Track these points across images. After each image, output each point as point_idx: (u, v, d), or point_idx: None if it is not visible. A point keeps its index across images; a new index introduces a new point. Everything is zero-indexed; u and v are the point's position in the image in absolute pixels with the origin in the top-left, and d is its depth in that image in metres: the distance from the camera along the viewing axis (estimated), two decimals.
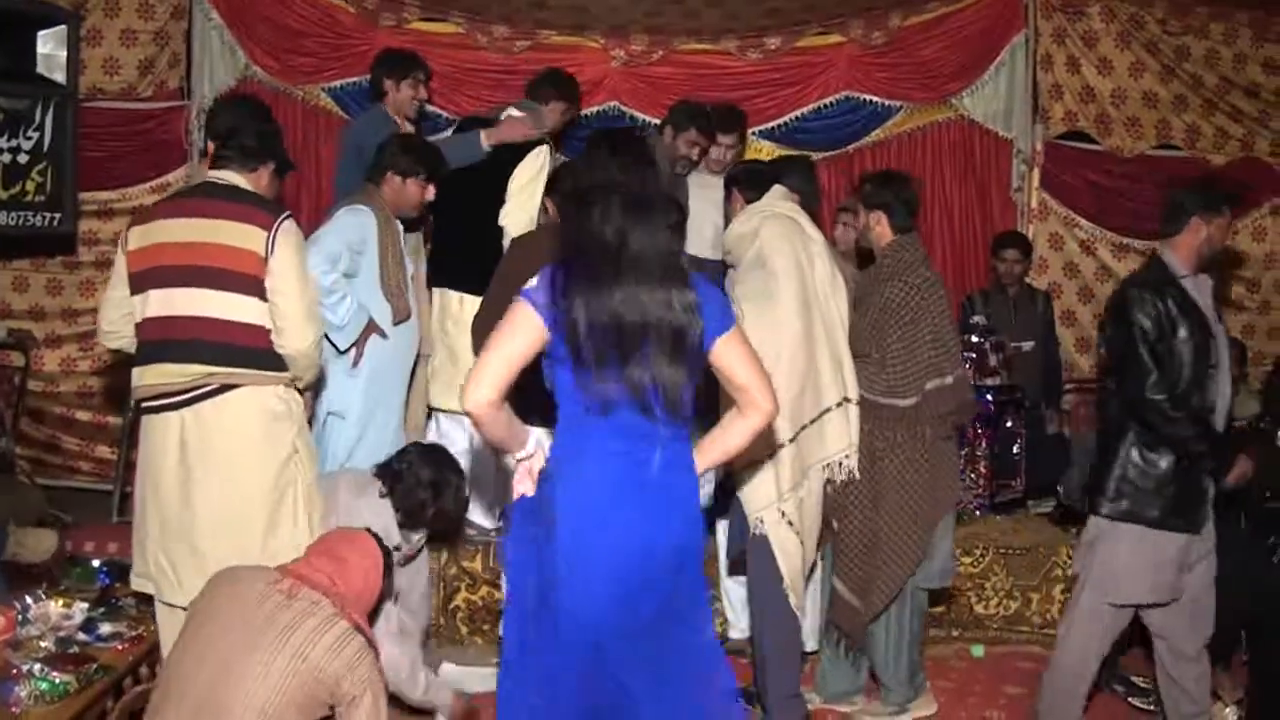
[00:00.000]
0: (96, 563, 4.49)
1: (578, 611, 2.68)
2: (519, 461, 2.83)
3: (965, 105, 6.96)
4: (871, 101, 6.94)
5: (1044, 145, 6.99)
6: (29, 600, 3.60)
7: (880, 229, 4.20)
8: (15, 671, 3.09)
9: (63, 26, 5.55)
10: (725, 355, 2.74)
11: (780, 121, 6.91)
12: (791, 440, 3.77)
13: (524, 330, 2.66)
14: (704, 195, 5.44)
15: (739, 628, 4.63)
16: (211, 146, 3.67)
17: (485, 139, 4.97)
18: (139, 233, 3.48)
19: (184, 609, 3.19)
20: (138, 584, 3.54)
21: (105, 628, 3.58)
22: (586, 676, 2.73)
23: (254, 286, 3.40)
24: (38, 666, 3.11)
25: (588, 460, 2.70)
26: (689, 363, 2.68)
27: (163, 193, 6.51)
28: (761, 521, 3.80)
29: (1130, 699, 4.55)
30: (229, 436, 3.40)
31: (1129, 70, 7.01)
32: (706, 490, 4.53)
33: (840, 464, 3.91)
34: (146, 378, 3.45)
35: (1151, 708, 4.44)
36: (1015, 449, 5.58)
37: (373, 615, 3.22)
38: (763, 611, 3.94)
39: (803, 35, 6.88)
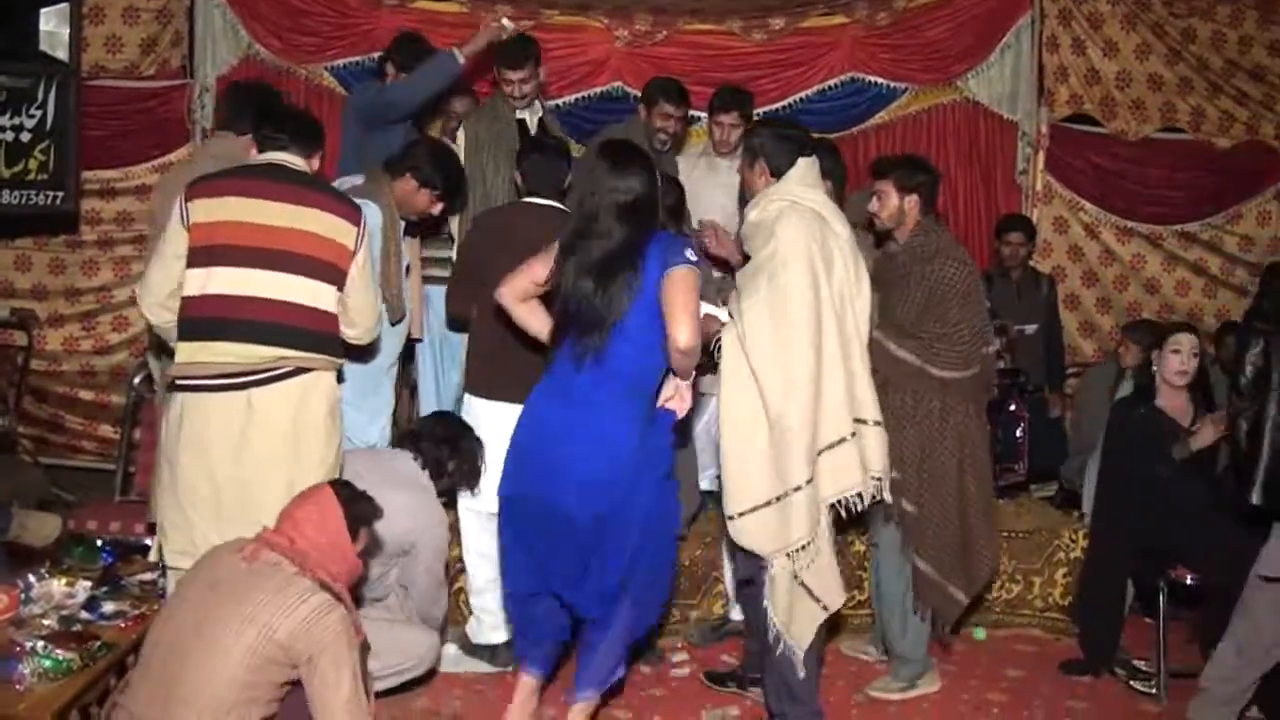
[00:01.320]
0: (99, 542, 4.49)
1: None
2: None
3: (970, 87, 6.94)
4: (876, 83, 6.92)
5: (1049, 128, 6.97)
6: (32, 579, 3.61)
7: (914, 211, 4.23)
8: (19, 649, 3.10)
9: (65, 4, 5.50)
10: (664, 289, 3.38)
11: (785, 103, 6.87)
12: (809, 482, 3.55)
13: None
14: (713, 180, 5.39)
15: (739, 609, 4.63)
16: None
17: (459, 52, 5.04)
18: (204, 206, 3.44)
19: None
20: (176, 560, 3.46)
21: (108, 606, 3.59)
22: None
23: (336, 276, 3.52)
24: (41, 644, 3.12)
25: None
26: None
27: (165, 172, 6.49)
28: (771, 566, 3.60)
29: (1132, 682, 4.55)
30: (299, 419, 3.46)
31: (1135, 52, 6.99)
32: (710, 474, 4.56)
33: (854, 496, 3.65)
34: (205, 354, 3.42)
35: (1153, 690, 4.44)
36: (1018, 433, 5.57)
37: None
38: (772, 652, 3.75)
39: (807, 16, 6.86)
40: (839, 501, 3.64)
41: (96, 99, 6.27)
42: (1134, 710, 4.41)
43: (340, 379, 3.67)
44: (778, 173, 3.77)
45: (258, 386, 3.42)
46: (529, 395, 3.58)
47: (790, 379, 3.52)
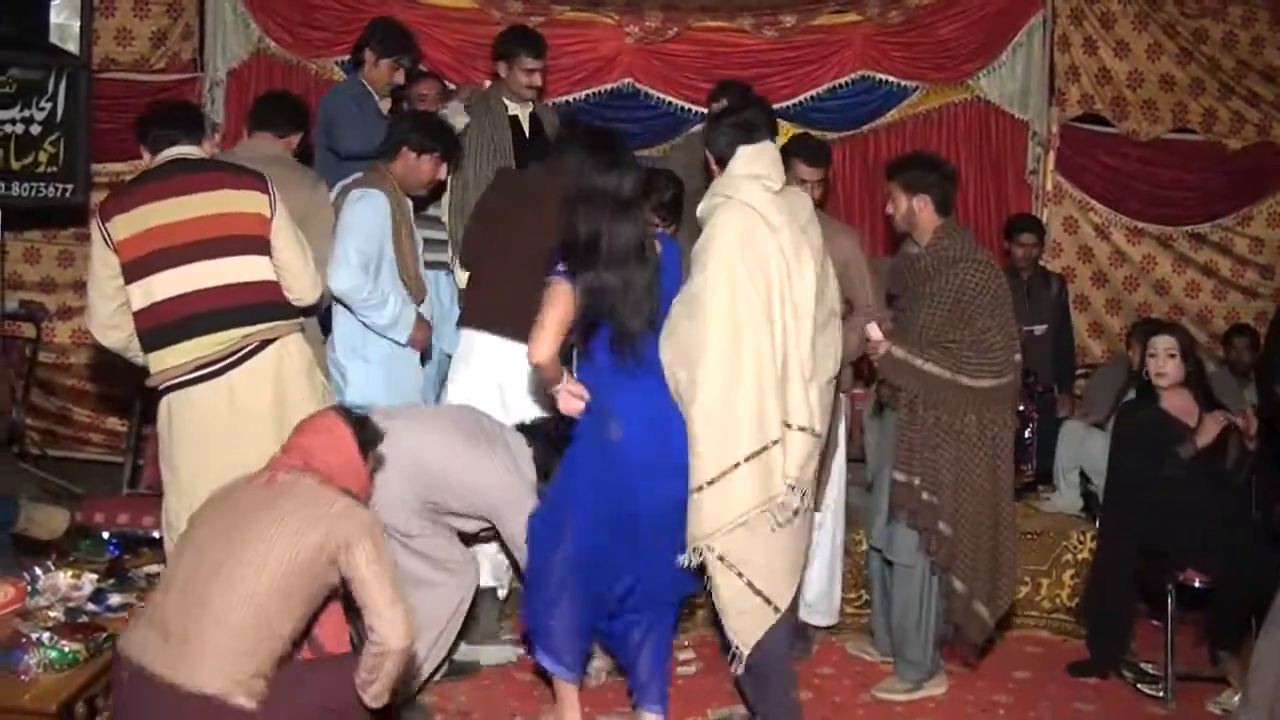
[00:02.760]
0: (106, 534, 4.51)
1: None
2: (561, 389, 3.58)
3: (981, 86, 6.92)
4: (887, 81, 6.90)
5: (1060, 128, 6.94)
6: (38, 571, 3.60)
7: (925, 213, 4.18)
8: (25, 640, 3.09)
9: None
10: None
11: (795, 101, 6.86)
12: (710, 483, 3.46)
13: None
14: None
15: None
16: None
17: None
18: (123, 222, 3.52)
19: None
20: None
21: (114, 598, 3.57)
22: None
23: (263, 246, 3.62)
24: (47, 635, 3.11)
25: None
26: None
27: None
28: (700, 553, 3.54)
29: (1139, 685, 4.53)
30: (279, 388, 3.60)
31: (1146, 52, 6.96)
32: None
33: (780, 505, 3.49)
34: (174, 358, 3.52)
35: (1160, 694, 4.42)
36: (1027, 433, 5.54)
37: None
38: None
39: (819, 13, 6.84)
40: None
41: (107, 92, 6.28)
42: (1141, 713, 4.39)
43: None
44: (723, 163, 3.64)
45: (234, 369, 3.54)
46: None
47: (697, 378, 3.45)
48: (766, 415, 3.44)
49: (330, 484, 2.89)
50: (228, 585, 2.69)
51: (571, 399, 3.60)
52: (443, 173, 4.51)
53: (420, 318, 4.38)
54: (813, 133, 6.15)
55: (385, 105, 5.17)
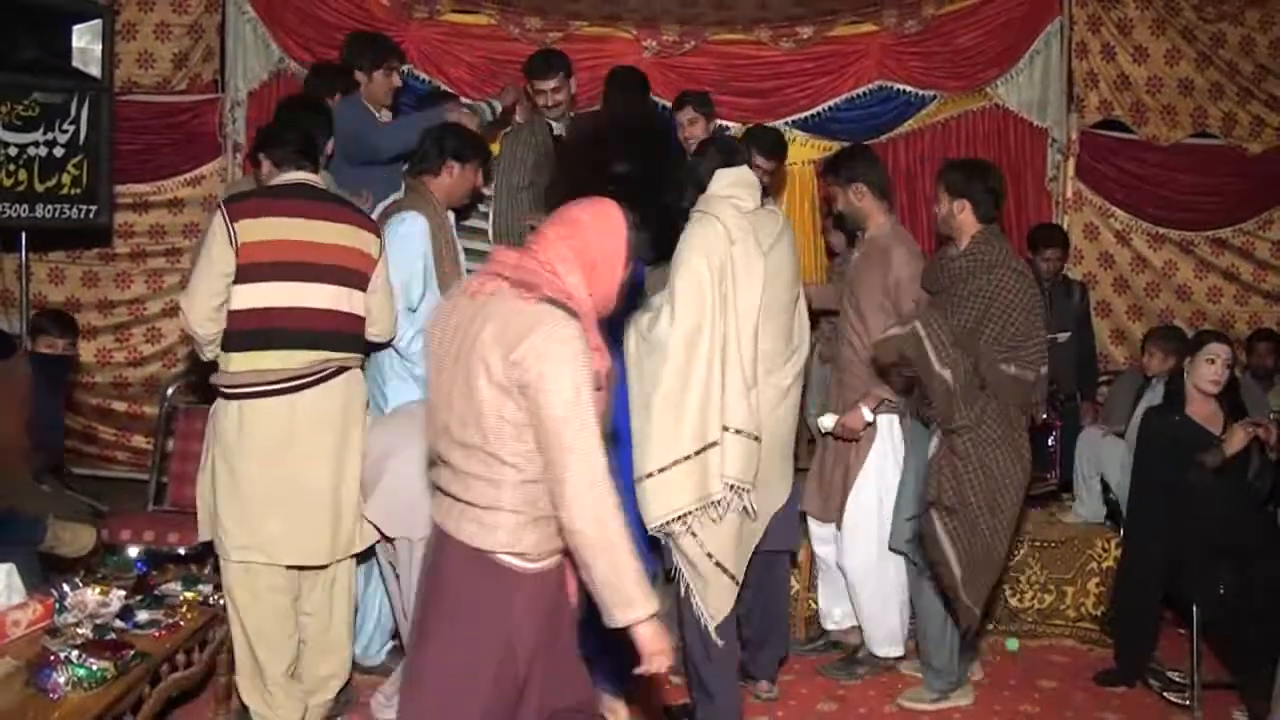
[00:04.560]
0: (133, 551, 4.53)
1: None
2: None
3: (1000, 94, 6.92)
4: (905, 91, 6.91)
5: (1079, 134, 6.93)
6: (66, 588, 3.62)
7: (964, 217, 4.20)
8: (53, 658, 3.11)
9: (98, 20, 5.61)
10: None
11: (813, 111, 6.88)
12: (657, 473, 3.69)
13: None
14: None
15: (831, 618, 4.80)
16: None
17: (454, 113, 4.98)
18: (251, 226, 3.68)
19: (288, 567, 3.74)
20: (241, 554, 3.69)
21: (142, 615, 3.59)
22: None
23: (362, 282, 3.84)
24: (75, 653, 3.13)
25: None
26: None
27: (198, 185, 6.61)
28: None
29: (1165, 694, 4.50)
30: (342, 413, 3.79)
31: (1165, 57, 6.94)
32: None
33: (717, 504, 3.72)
34: (255, 363, 3.68)
35: (1187, 702, 4.39)
36: (1050, 441, 5.53)
37: None
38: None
39: (835, 24, 6.86)
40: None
41: (129, 114, 6.35)
42: None
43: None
44: (701, 186, 3.95)
45: (306, 389, 3.71)
46: None
47: (661, 374, 3.71)
48: (709, 416, 3.69)
49: (537, 291, 2.50)
50: (453, 428, 2.58)
51: None
52: (480, 180, 4.55)
53: None
54: (833, 143, 6.20)
55: (386, 117, 5.21)
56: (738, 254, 3.75)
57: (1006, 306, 4.04)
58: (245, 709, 3.85)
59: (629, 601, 2.46)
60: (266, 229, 3.69)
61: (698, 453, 3.67)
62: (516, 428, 2.47)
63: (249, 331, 3.69)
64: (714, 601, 3.79)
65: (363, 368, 4.00)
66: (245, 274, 3.67)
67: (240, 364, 3.69)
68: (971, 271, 4.12)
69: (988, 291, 4.05)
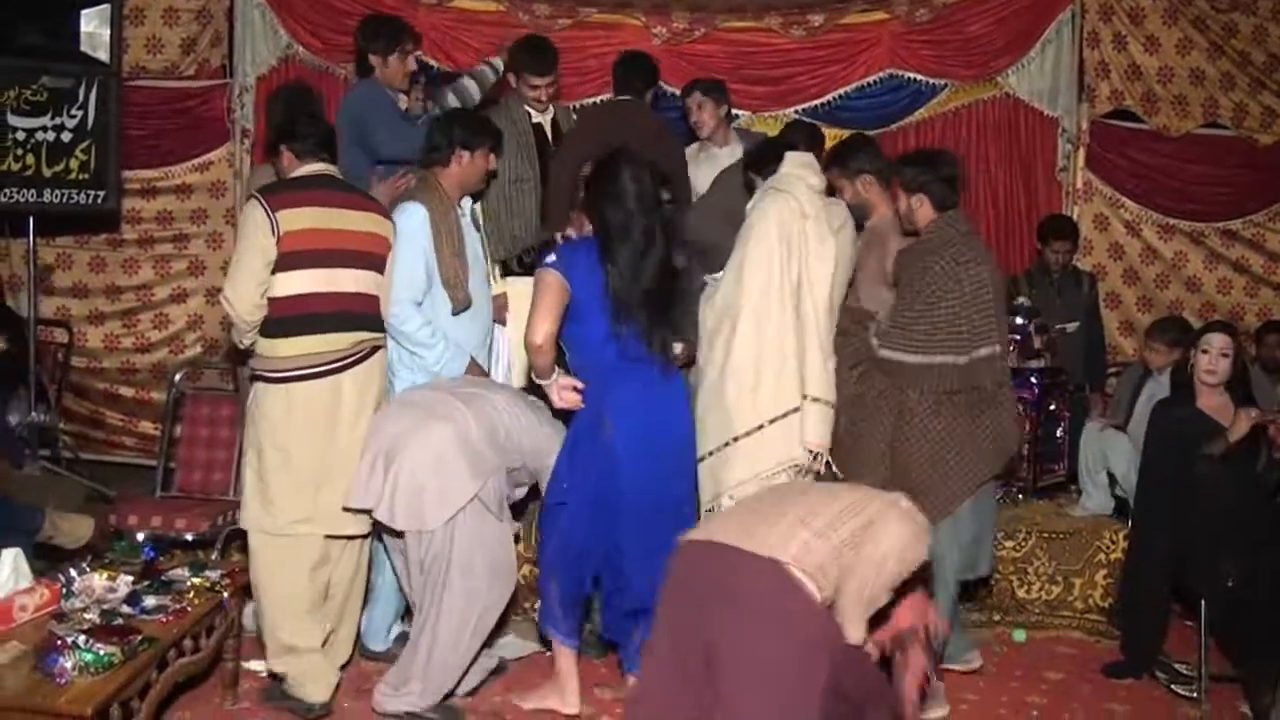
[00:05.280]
0: (141, 537, 4.54)
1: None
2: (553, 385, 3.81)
3: (1011, 83, 6.90)
4: (915, 80, 6.91)
5: (1090, 124, 6.91)
6: (74, 573, 3.62)
7: (923, 210, 4.16)
8: (60, 643, 3.11)
9: (105, 5, 5.56)
10: None
11: (823, 100, 6.87)
12: (740, 437, 3.93)
13: None
14: (711, 169, 5.36)
15: None
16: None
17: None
18: (290, 216, 3.85)
19: (347, 537, 4.00)
20: (296, 528, 3.89)
21: (149, 600, 3.59)
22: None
23: (381, 265, 4.07)
24: (82, 638, 3.13)
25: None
26: None
27: (206, 171, 6.62)
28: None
29: (1173, 686, 4.49)
30: (379, 388, 4.05)
31: (1176, 47, 6.90)
32: None
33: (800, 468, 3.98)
34: (298, 348, 3.87)
35: (1194, 694, 4.38)
36: (1059, 432, 5.53)
37: None
38: None
39: (846, 12, 6.84)
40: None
41: (137, 99, 6.34)
42: (1175, 714, 4.34)
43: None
44: (759, 166, 4.28)
45: (350, 368, 3.92)
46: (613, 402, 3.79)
47: (732, 342, 3.89)
48: (785, 384, 3.88)
49: None
50: None
51: (567, 393, 3.84)
52: (494, 161, 4.53)
53: (473, 363, 4.35)
54: (843, 131, 6.17)
55: (404, 102, 5.17)
56: (810, 229, 3.93)
57: (919, 290, 4.01)
58: (277, 678, 4.01)
59: None
60: (303, 218, 3.87)
61: (776, 419, 3.88)
62: None
63: (293, 318, 3.88)
64: None
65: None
66: (285, 262, 3.84)
67: (288, 349, 3.86)
68: (916, 258, 4.11)
69: (918, 274, 4.05)
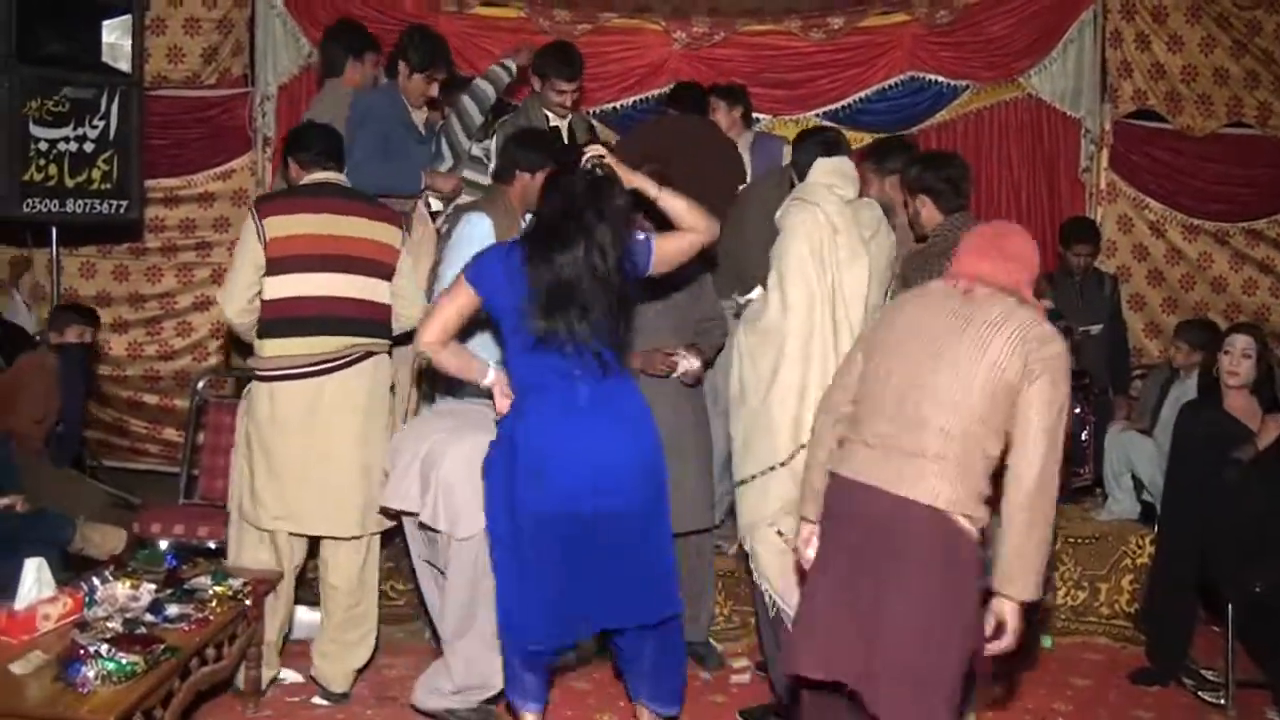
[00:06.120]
0: (164, 544, 4.55)
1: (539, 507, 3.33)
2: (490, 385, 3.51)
3: (1033, 84, 6.86)
4: (937, 82, 6.88)
5: (1113, 124, 6.87)
6: (96, 582, 3.63)
7: (927, 211, 4.12)
8: (83, 652, 3.12)
9: (127, 16, 5.64)
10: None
11: (844, 103, 6.85)
12: (787, 461, 3.73)
13: None
14: None
15: None
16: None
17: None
18: (278, 223, 3.96)
19: (316, 537, 4.08)
20: (273, 524, 4.01)
21: (172, 609, 3.59)
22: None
23: (388, 273, 4.11)
24: (105, 647, 3.13)
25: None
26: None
27: (228, 180, 6.66)
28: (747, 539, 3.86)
29: (1200, 693, 4.45)
30: (367, 395, 4.06)
31: (1200, 46, 6.84)
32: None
33: None
34: (287, 349, 3.96)
35: (1221, 701, 4.34)
36: (1084, 436, 5.47)
37: None
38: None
39: (867, 15, 6.83)
40: None
41: (159, 109, 6.39)
42: None
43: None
44: (803, 177, 3.99)
45: (334, 371, 3.98)
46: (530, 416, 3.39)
47: (780, 362, 3.74)
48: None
49: (1025, 302, 2.89)
50: (940, 404, 2.80)
51: (502, 401, 3.50)
52: None
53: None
54: (864, 134, 6.16)
55: (421, 116, 5.15)
56: (841, 242, 3.79)
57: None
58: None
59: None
60: (293, 224, 3.97)
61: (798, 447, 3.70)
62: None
63: (281, 320, 3.97)
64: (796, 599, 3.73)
65: (390, 353, 4.23)
66: (275, 266, 3.95)
67: (273, 349, 3.97)
68: (924, 261, 4.02)
69: (916, 279, 3.92)
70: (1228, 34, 6.81)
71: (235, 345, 5.21)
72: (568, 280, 3.26)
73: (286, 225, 3.96)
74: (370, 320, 4.06)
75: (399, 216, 4.19)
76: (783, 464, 3.73)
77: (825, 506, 3.00)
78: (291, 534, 4.05)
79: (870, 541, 2.82)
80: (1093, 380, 5.62)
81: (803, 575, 3.36)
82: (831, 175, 3.93)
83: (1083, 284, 6.06)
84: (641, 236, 3.42)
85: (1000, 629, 2.78)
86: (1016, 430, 2.78)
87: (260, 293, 3.97)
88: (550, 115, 5.20)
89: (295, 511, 4.00)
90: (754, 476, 3.80)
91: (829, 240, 3.78)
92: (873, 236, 3.91)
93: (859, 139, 6.39)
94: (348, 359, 3.99)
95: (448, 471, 3.75)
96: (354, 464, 4.02)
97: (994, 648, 2.79)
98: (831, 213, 3.81)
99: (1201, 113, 6.86)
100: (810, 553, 3.10)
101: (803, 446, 3.63)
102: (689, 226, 3.40)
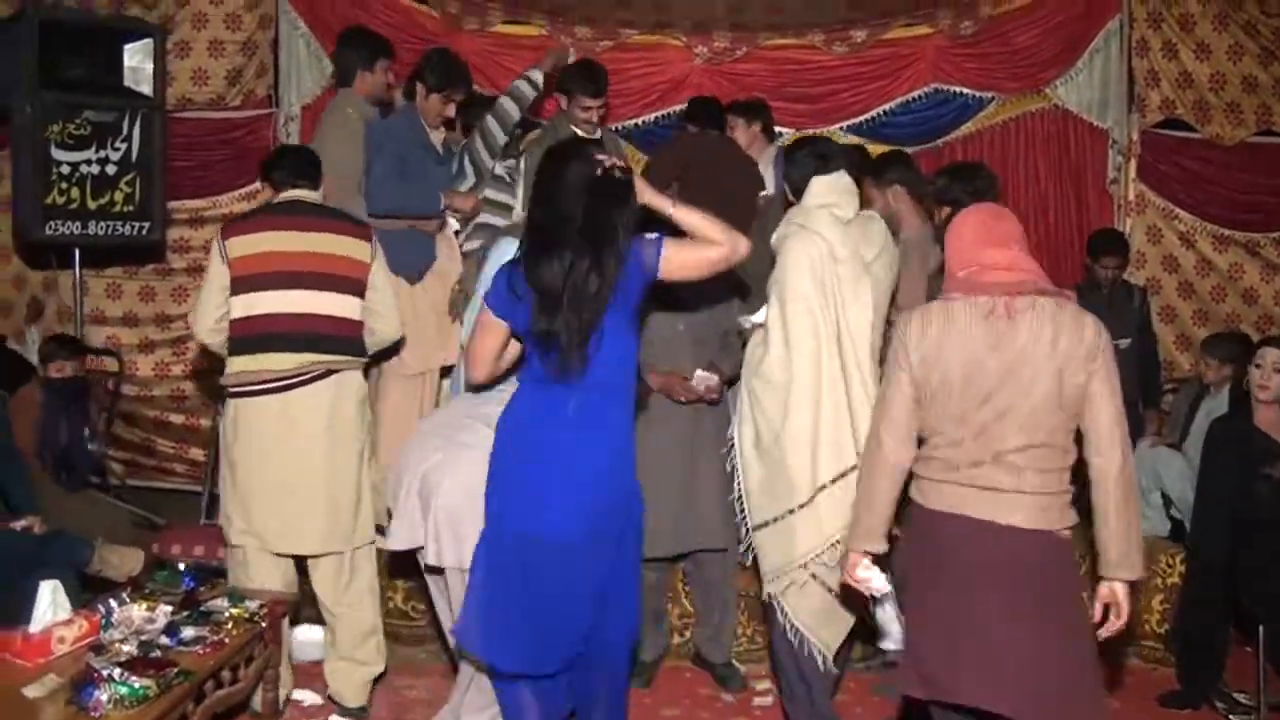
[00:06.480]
0: (182, 566, 4.55)
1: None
2: None
3: (1059, 94, 6.80)
4: (961, 94, 6.83)
5: (1140, 134, 6.78)
6: (113, 604, 3.63)
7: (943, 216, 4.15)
8: (96, 676, 3.11)
9: (149, 39, 5.68)
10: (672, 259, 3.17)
11: (867, 116, 6.81)
12: (805, 504, 3.61)
13: None
14: None
15: (892, 638, 4.52)
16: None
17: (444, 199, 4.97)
18: (240, 243, 4.02)
19: (283, 555, 4.08)
20: (240, 539, 4.06)
21: (187, 632, 3.57)
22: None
23: (357, 287, 4.11)
24: (118, 671, 3.12)
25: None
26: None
27: (253, 200, 6.64)
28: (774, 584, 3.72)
29: (1231, 716, 4.37)
30: (334, 413, 4.05)
31: (1228, 54, 6.74)
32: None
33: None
34: (254, 365, 3.99)
35: None
36: None
37: None
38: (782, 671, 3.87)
39: (890, 27, 6.78)
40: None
41: (184, 130, 6.43)
42: None
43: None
44: (798, 194, 3.80)
45: (297, 388, 3.99)
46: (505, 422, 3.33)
47: (789, 404, 3.61)
48: (844, 442, 3.58)
49: (1057, 293, 2.97)
50: (1024, 428, 2.86)
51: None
52: None
53: None
54: (887, 147, 6.10)
55: (439, 136, 5.17)
56: (844, 273, 3.60)
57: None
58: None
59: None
60: (257, 243, 4.02)
61: (837, 479, 3.58)
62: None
63: (246, 337, 4.01)
64: (830, 637, 3.72)
65: (369, 369, 4.35)
66: (239, 285, 4.01)
67: (238, 366, 4.02)
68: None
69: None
70: (1256, 42, 6.71)
71: None
72: (556, 291, 3.10)
73: (251, 244, 4.01)
74: (336, 336, 4.07)
75: (368, 230, 4.21)
76: (802, 506, 3.60)
77: (926, 539, 3.01)
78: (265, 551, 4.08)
79: (989, 571, 2.88)
80: (1122, 394, 5.52)
81: (863, 601, 3.46)
82: (829, 194, 3.71)
83: (1111, 297, 5.97)
84: (652, 235, 3.21)
85: (1111, 611, 2.93)
86: (1089, 424, 2.87)
87: (228, 313, 4.02)
88: (577, 132, 5.20)
89: (258, 528, 4.04)
90: (775, 520, 3.66)
91: (830, 271, 3.60)
92: (877, 256, 3.73)
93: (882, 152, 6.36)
94: (310, 375, 4.01)
95: (448, 503, 3.62)
96: (317, 481, 4.03)
97: (1112, 629, 2.94)
98: (834, 240, 3.61)
99: (1230, 121, 6.75)
100: (879, 581, 3.10)
101: (823, 488, 3.57)
102: (708, 239, 3.21)
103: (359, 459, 4.15)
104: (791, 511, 3.62)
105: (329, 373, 4.04)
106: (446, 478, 3.61)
